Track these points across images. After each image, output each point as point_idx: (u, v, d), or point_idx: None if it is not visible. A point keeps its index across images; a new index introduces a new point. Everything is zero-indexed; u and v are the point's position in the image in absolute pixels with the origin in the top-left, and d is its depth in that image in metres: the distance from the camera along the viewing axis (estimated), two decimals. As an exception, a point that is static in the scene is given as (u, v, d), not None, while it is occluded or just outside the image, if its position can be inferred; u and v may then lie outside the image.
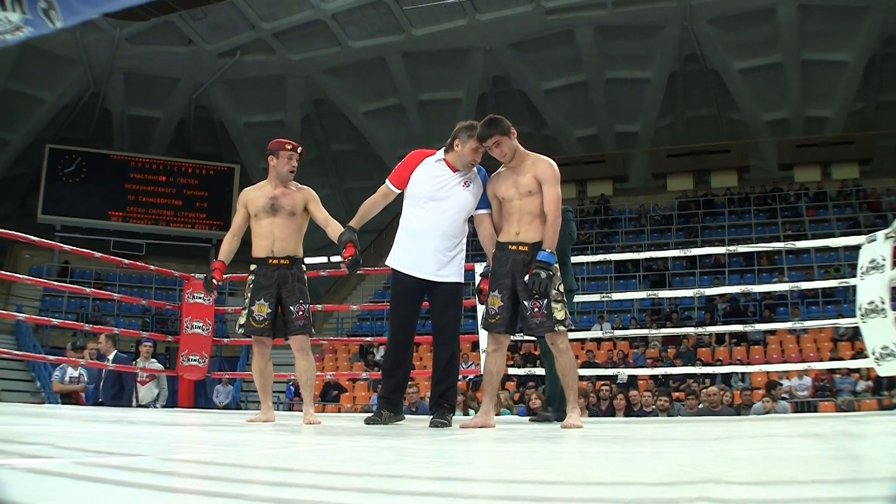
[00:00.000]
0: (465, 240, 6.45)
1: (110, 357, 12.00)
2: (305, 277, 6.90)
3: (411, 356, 6.76)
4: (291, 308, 6.74)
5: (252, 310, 6.78)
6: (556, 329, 5.89)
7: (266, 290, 6.77)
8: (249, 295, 6.84)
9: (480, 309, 9.52)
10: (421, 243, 6.32)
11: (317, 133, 33.78)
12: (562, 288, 5.96)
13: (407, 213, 6.42)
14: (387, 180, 6.49)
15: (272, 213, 6.80)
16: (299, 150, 6.97)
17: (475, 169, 6.39)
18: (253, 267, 6.90)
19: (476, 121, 6.35)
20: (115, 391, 12.32)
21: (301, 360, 6.85)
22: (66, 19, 2.03)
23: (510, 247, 5.98)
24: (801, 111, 30.67)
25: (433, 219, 6.29)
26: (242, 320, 6.86)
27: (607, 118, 32.37)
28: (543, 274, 5.73)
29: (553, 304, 5.87)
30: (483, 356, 9.45)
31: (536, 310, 5.87)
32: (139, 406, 12.40)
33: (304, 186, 7.02)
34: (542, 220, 5.95)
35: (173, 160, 33.56)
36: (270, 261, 6.79)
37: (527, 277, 5.81)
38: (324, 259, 30.35)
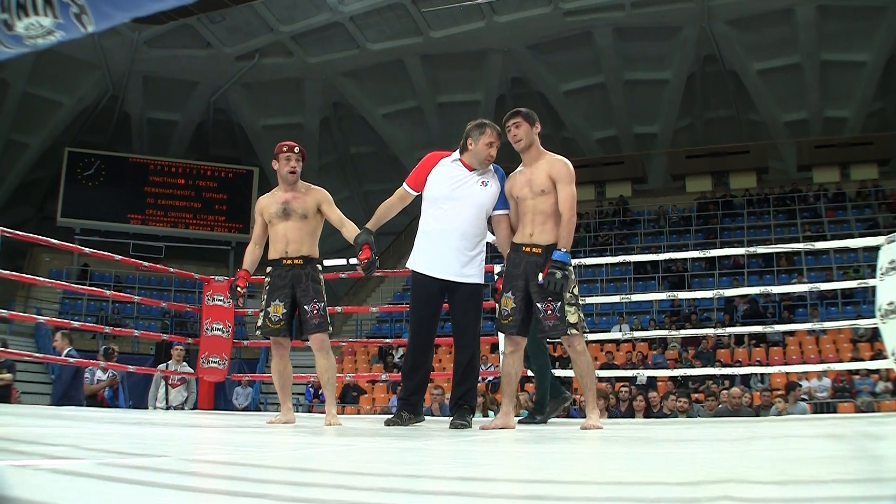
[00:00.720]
0: (485, 241, 6.41)
1: (64, 353, 12.00)
2: (321, 277, 6.89)
3: (431, 358, 6.76)
4: (306, 307, 6.73)
5: (268, 311, 6.80)
6: (568, 333, 5.86)
7: (280, 290, 6.79)
8: (265, 296, 6.86)
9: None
10: (440, 244, 6.30)
11: (335, 136, 33.84)
12: (576, 290, 5.96)
13: (425, 215, 6.40)
14: (404, 183, 6.48)
15: (284, 217, 6.83)
16: (296, 149, 6.96)
17: (492, 168, 6.39)
18: (268, 269, 6.93)
19: (490, 121, 6.38)
20: (67, 387, 12.36)
21: (321, 359, 6.87)
22: (98, 24, 2.04)
23: (524, 248, 5.97)
24: (819, 112, 30.56)
25: (451, 219, 6.26)
26: (259, 322, 6.90)
27: (626, 119, 32.33)
28: (559, 273, 5.69)
29: (567, 308, 5.84)
30: (502, 358, 9.48)
31: (549, 312, 5.85)
32: (169, 408, 12.46)
33: (316, 187, 7.02)
34: (555, 221, 5.93)
35: (192, 163, 33.64)
36: (284, 261, 6.81)
37: (541, 277, 5.79)
38: (343, 261, 30.38)
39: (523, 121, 6.07)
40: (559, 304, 5.82)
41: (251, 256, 7.14)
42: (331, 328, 6.87)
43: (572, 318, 5.85)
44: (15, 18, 2.09)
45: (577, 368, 6.11)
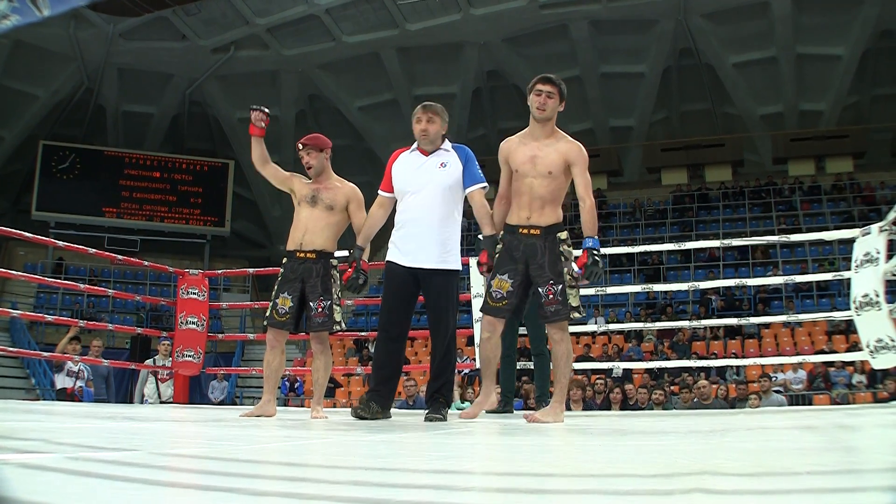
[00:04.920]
0: (457, 226, 6.33)
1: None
2: (335, 274, 6.79)
3: (403, 350, 6.66)
4: (311, 304, 6.68)
5: (276, 302, 6.74)
6: (571, 316, 5.74)
7: (291, 283, 6.73)
8: (276, 287, 6.81)
9: (477, 286, 9.48)
10: (409, 234, 6.26)
11: (311, 129, 33.64)
12: (574, 272, 5.77)
13: (397, 210, 6.39)
14: (378, 190, 6.48)
15: (312, 203, 6.76)
16: (300, 145, 6.90)
17: (451, 148, 6.35)
18: (284, 260, 6.85)
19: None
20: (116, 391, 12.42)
21: (318, 358, 6.89)
22: (54, 7, 2.02)
23: (521, 230, 5.81)
24: (795, 105, 30.72)
25: (416, 208, 6.23)
26: (267, 312, 6.86)
27: (602, 112, 32.41)
28: (600, 263, 5.65)
29: (568, 290, 5.72)
30: (479, 350, 9.48)
31: (552, 296, 5.71)
32: (162, 403, 12.43)
33: (351, 185, 6.96)
34: (553, 207, 5.82)
35: (167, 156, 33.55)
36: (297, 254, 6.72)
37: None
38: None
39: (556, 93, 5.88)
40: (560, 286, 5.70)
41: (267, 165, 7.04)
42: (340, 326, 6.81)
43: (574, 301, 5.74)
44: (-31, 3, 2.06)
45: (558, 353, 5.92)
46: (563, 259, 5.75)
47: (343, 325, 6.85)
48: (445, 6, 28.57)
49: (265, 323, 6.95)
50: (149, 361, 13.41)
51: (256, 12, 28.68)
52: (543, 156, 5.80)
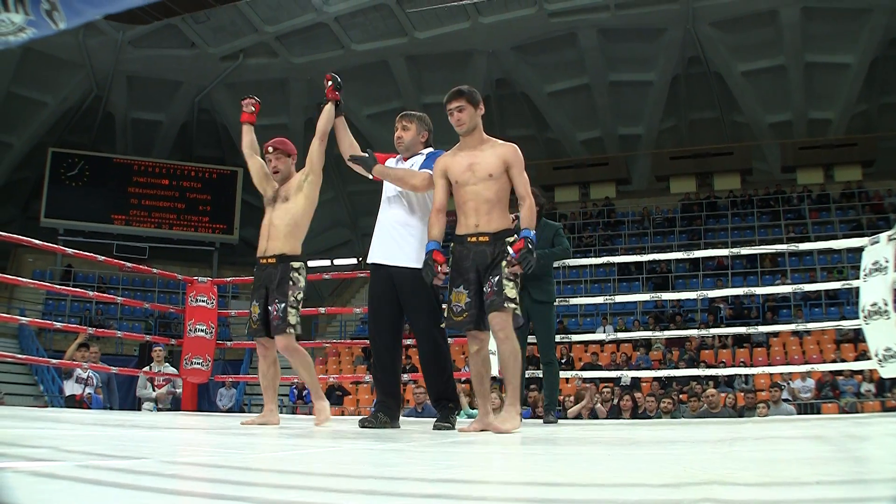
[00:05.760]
0: (424, 228, 6.24)
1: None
2: (296, 277, 6.66)
3: (399, 356, 6.59)
4: (269, 308, 6.62)
5: (251, 311, 6.75)
6: (504, 306, 5.54)
7: (257, 290, 6.73)
8: (251, 296, 6.83)
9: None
10: (380, 233, 6.40)
11: (319, 136, 33.70)
12: (516, 270, 5.61)
13: None
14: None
15: (272, 204, 6.82)
16: (270, 148, 6.92)
17: (425, 153, 6.46)
18: (255, 268, 6.87)
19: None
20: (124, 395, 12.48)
21: (292, 360, 6.71)
22: (69, 20, 2.03)
23: (469, 239, 5.74)
24: (803, 113, 30.67)
25: (386, 208, 6.45)
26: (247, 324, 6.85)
27: (610, 121, 32.39)
28: (535, 252, 5.55)
29: (504, 282, 5.58)
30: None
31: (488, 290, 5.61)
32: (160, 409, 12.46)
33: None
34: (500, 209, 5.73)
35: (176, 163, 33.57)
36: (261, 260, 6.74)
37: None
38: (327, 262, 30.34)
39: (467, 104, 5.83)
40: (497, 278, 5.58)
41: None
42: (294, 329, 6.58)
43: (510, 293, 5.58)
44: (-15, 15, 2.07)
45: (501, 354, 5.77)
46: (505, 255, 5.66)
47: (298, 328, 6.64)
48: (454, 14, 28.59)
49: (246, 332, 6.95)
50: (146, 368, 13.47)
51: (265, 20, 28.73)
52: (480, 161, 5.76)
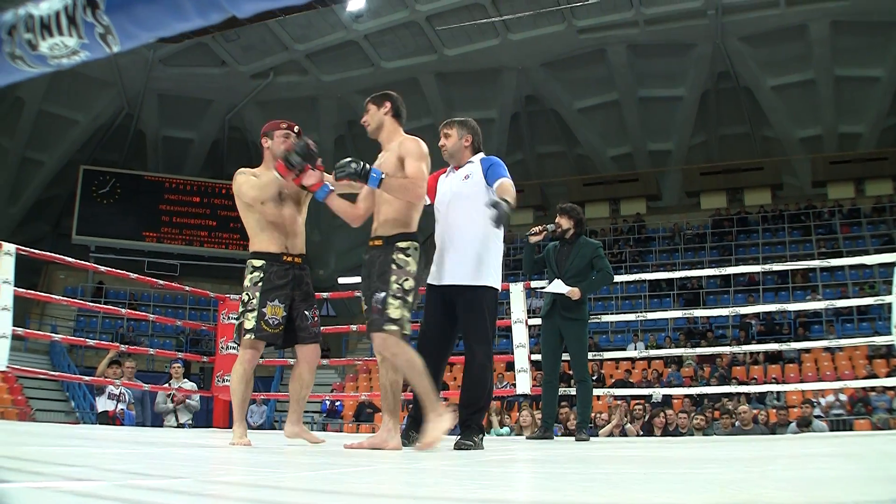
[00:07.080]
0: (488, 242, 6.05)
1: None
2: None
3: (440, 374, 6.21)
4: (306, 313, 6.16)
5: (263, 311, 6.02)
6: (384, 328, 5.23)
7: (281, 290, 6.06)
8: (258, 294, 6.05)
9: (516, 329, 9.53)
10: (440, 251, 6.12)
11: (350, 153, 33.55)
12: (406, 285, 5.31)
13: None
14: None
15: (281, 201, 6.19)
16: (296, 129, 6.29)
17: (476, 160, 6.30)
18: (259, 263, 6.12)
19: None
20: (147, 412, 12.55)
21: (309, 374, 6.32)
22: (123, 44, 2.05)
23: (369, 242, 5.55)
24: (834, 128, 30.51)
25: (444, 223, 6.16)
26: (250, 324, 6.06)
27: (640, 136, 32.35)
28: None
29: (390, 301, 5.25)
30: (519, 376, 9.45)
31: (373, 304, 5.29)
32: (179, 426, 12.48)
33: None
34: (398, 212, 5.46)
35: (207, 181, 33.69)
36: (285, 258, 6.11)
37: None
38: (358, 279, 30.33)
39: (369, 104, 5.80)
40: (383, 294, 5.26)
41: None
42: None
43: (394, 314, 5.23)
44: (39, 38, 2.09)
45: (380, 379, 5.50)
46: (394, 267, 5.33)
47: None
48: (483, 31, 28.65)
49: (248, 337, 6.10)
50: (164, 385, 13.50)
51: (295, 38, 28.88)
52: (385, 161, 5.66)
